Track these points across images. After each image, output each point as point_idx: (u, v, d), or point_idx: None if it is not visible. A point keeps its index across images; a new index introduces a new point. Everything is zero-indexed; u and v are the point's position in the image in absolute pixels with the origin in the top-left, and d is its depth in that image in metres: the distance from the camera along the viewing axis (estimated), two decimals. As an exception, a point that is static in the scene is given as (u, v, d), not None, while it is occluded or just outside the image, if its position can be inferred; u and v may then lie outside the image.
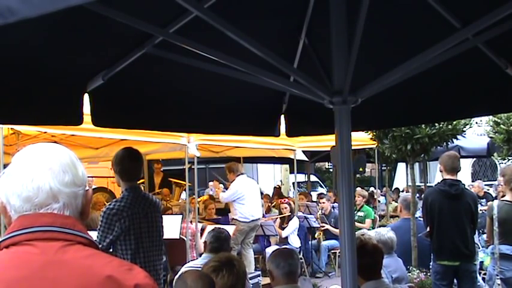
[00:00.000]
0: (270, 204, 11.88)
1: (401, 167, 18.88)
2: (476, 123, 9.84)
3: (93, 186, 10.19)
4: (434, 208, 5.35)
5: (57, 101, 2.90)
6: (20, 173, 1.32)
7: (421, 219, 6.01)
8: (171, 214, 7.96)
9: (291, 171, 15.12)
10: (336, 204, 10.08)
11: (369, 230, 7.26)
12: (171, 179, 11.94)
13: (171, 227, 6.74)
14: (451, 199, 5.28)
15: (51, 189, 1.31)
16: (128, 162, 3.97)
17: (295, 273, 3.30)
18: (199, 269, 3.20)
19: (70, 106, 2.98)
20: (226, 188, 9.53)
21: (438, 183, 5.68)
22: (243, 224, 8.06)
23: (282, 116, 4.03)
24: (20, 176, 1.32)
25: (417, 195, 7.31)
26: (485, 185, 13.06)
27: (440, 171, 5.51)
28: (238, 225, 7.99)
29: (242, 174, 8.48)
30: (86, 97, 3.01)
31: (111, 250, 3.80)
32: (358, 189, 10.33)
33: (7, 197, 1.33)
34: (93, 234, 3.14)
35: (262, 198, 11.70)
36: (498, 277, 5.17)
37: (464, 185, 5.55)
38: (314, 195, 14.05)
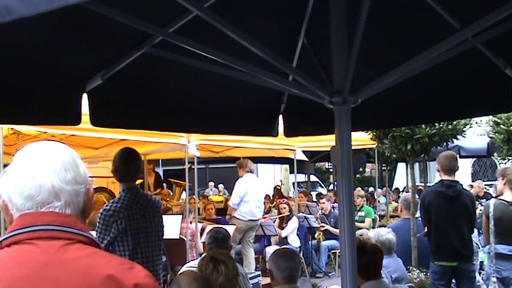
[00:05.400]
0: (270, 204, 11.88)
1: (401, 167, 18.88)
2: (476, 123, 9.82)
3: (93, 186, 10.15)
4: (432, 209, 5.33)
5: (55, 101, 2.89)
6: (22, 171, 1.32)
7: (421, 219, 6.00)
8: (171, 214, 7.97)
9: (291, 171, 15.12)
10: (336, 204, 10.08)
11: (368, 230, 7.27)
12: (170, 179, 11.94)
13: (171, 227, 6.74)
14: (448, 200, 5.25)
15: (53, 187, 1.31)
16: (123, 163, 3.96)
17: (295, 276, 3.31)
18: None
19: (68, 106, 2.97)
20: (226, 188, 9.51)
21: (436, 183, 5.66)
22: (240, 222, 8.08)
23: (280, 116, 4.03)
24: (22, 174, 1.31)
25: (417, 196, 7.29)
26: (485, 185, 13.05)
27: (438, 171, 5.49)
28: (235, 223, 8.00)
29: (251, 172, 8.49)
30: (84, 97, 3.00)
31: (109, 251, 3.80)
32: (358, 189, 10.33)
33: (9, 195, 1.32)
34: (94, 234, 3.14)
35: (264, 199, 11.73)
36: (494, 275, 5.17)
37: (461, 185, 5.52)
38: (314, 195, 14.05)
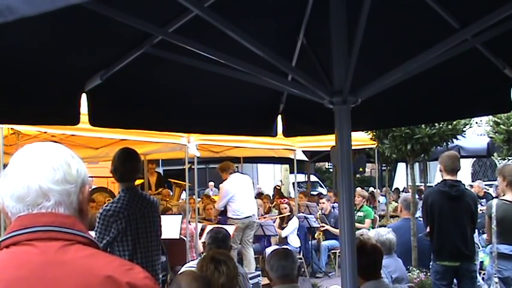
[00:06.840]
0: (270, 204, 11.87)
1: (401, 167, 18.88)
2: (476, 123, 9.82)
3: (93, 186, 10.18)
4: (435, 209, 5.35)
5: (55, 101, 2.89)
6: (12, 174, 1.33)
7: (421, 219, 6.01)
8: (171, 214, 7.97)
9: (291, 171, 15.11)
10: (336, 204, 10.08)
11: (368, 230, 7.27)
12: (170, 179, 11.93)
13: (171, 227, 6.74)
14: (451, 200, 5.27)
15: (41, 187, 1.31)
16: (122, 163, 3.96)
17: (290, 275, 3.26)
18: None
19: (68, 106, 2.97)
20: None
21: (438, 183, 5.67)
22: (236, 221, 8.09)
23: (279, 116, 4.03)
24: (12, 176, 1.33)
25: (417, 196, 7.30)
26: (485, 185, 13.05)
27: (440, 171, 5.50)
28: (233, 223, 8.01)
29: (235, 172, 8.53)
30: (83, 97, 3.00)
31: (108, 251, 3.79)
32: (358, 189, 10.32)
33: (2, 199, 1.34)
34: (93, 234, 3.15)
35: (262, 199, 11.72)
36: (496, 275, 5.17)
37: (464, 185, 5.54)
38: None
